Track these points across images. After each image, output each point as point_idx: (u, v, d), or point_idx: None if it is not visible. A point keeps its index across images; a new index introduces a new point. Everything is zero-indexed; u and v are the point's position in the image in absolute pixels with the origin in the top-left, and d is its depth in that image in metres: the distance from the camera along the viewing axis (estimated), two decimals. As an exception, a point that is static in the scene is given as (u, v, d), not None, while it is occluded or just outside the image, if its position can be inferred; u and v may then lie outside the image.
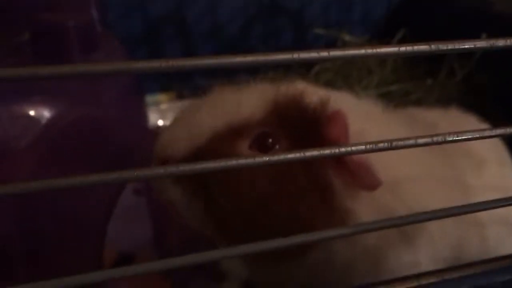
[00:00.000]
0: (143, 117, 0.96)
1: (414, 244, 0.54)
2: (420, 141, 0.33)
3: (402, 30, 1.43)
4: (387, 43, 1.41)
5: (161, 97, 1.40)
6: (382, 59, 1.37)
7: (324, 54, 0.29)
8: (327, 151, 0.31)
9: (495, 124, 1.07)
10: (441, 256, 0.57)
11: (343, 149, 0.32)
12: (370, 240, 0.52)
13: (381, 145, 0.32)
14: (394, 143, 0.33)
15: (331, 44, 1.51)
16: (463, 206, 0.36)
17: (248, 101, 0.52)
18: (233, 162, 0.30)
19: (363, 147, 0.33)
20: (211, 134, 0.50)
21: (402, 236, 0.53)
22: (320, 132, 0.50)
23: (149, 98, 1.36)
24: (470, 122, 0.78)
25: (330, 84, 1.30)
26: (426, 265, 0.54)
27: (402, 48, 0.30)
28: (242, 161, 0.29)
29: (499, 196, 0.67)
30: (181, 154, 0.50)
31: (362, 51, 0.30)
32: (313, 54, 0.29)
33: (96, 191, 0.68)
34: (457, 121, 0.77)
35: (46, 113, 0.72)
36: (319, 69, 1.36)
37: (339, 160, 0.50)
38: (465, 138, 0.35)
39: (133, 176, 0.29)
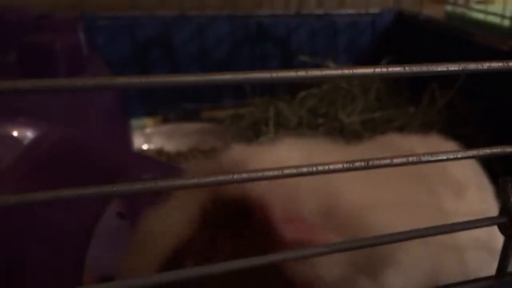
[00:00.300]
0: (128, 140, 0.96)
1: (380, 278, 0.54)
2: (396, 160, 0.34)
3: (386, 58, 1.46)
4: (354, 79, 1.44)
5: (147, 121, 1.41)
6: (366, 87, 1.40)
7: (302, 73, 0.30)
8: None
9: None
10: (415, 283, 0.56)
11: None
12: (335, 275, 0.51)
13: (357, 164, 0.33)
14: (370, 162, 0.33)
15: (317, 71, 1.53)
16: (428, 228, 0.37)
17: (173, 224, 0.50)
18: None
19: (340, 165, 0.33)
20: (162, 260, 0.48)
21: (366, 270, 0.53)
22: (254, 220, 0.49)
23: (135, 122, 1.37)
24: (449, 148, 0.79)
25: (315, 110, 1.32)
26: None
27: (377, 70, 0.31)
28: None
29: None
30: None
31: (339, 72, 0.31)
32: (291, 74, 0.30)
33: (76, 212, 0.68)
34: (436, 147, 0.78)
35: (29, 134, 0.72)
36: (304, 95, 1.38)
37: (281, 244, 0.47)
38: (440, 159, 0.36)
39: (112, 191, 0.29)
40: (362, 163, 0.34)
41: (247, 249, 0.48)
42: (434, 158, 0.36)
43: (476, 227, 0.40)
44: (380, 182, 0.57)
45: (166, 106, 1.47)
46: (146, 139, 1.26)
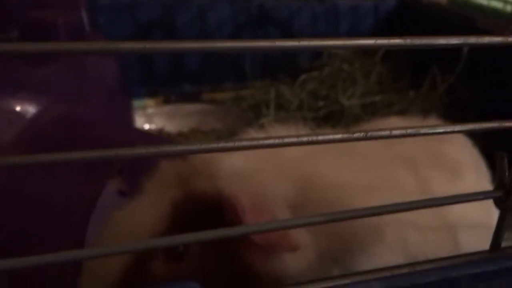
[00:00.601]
0: (130, 118, 0.97)
1: (371, 252, 0.54)
2: (395, 132, 0.35)
3: (387, 43, 1.46)
4: (372, 56, 1.44)
5: (148, 101, 1.41)
6: (367, 70, 1.40)
7: (304, 43, 0.30)
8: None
9: (475, 136, 1.10)
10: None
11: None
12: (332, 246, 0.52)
13: (356, 134, 0.34)
14: (369, 134, 0.34)
15: (318, 55, 1.53)
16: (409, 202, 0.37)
17: (144, 220, 0.50)
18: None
19: (340, 135, 0.34)
20: (121, 272, 0.48)
21: (359, 243, 0.54)
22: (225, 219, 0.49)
23: (136, 103, 1.37)
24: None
25: (315, 93, 1.32)
26: None
27: (379, 41, 0.31)
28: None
29: (474, 205, 0.68)
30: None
31: (341, 42, 0.31)
32: (293, 43, 0.30)
33: (76, 189, 0.68)
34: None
35: (31, 109, 0.72)
36: (305, 78, 1.38)
37: (250, 244, 0.47)
38: (438, 132, 0.36)
39: (114, 155, 0.30)
40: (361, 134, 0.34)
41: (217, 246, 0.49)
42: (432, 130, 0.36)
43: (471, 201, 0.41)
44: (364, 166, 0.58)
45: (167, 87, 1.47)
46: (148, 119, 1.27)
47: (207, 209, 0.49)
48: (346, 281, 0.40)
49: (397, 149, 0.64)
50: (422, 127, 0.35)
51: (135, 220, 0.51)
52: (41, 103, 0.73)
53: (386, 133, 0.35)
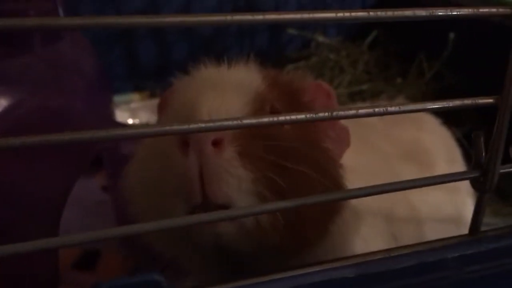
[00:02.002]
0: (109, 112, 0.95)
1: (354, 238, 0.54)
2: (362, 111, 0.33)
3: (374, 32, 1.44)
4: (360, 44, 1.42)
5: (133, 96, 1.39)
6: (354, 60, 1.39)
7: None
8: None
9: (462, 121, 1.08)
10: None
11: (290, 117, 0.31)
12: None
13: (321, 114, 0.32)
14: (334, 113, 0.32)
15: (305, 45, 1.51)
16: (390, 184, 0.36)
17: (251, 78, 0.50)
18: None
19: (303, 116, 0.32)
20: (247, 107, 0.45)
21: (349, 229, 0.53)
22: (305, 102, 0.52)
23: (122, 97, 1.35)
24: (423, 116, 0.79)
25: (302, 82, 1.30)
26: None
27: (340, 14, 0.30)
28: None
29: (446, 194, 0.67)
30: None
31: (298, 16, 0.29)
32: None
33: (49, 179, 0.66)
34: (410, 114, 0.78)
35: (5, 101, 0.70)
36: (292, 68, 1.36)
37: (323, 128, 0.51)
38: (407, 110, 0.35)
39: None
40: (326, 114, 0.33)
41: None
42: (402, 109, 0.35)
43: (448, 181, 0.40)
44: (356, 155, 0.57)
45: (153, 81, 1.45)
46: (132, 113, 1.25)
47: (296, 90, 0.52)
48: (320, 267, 0.38)
49: (373, 139, 0.64)
50: (390, 105, 0.34)
51: (245, 75, 0.51)
52: (15, 95, 0.71)
53: (353, 112, 0.33)
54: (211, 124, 0.30)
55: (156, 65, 1.47)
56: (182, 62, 1.49)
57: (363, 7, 1.60)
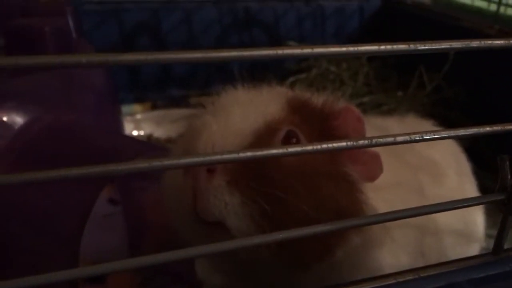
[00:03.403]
0: (119, 125, 0.95)
1: (379, 249, 0.55)
2: (399, 138, 0.34)
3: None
4: (360, 57, 1.44)
5: (136, 107, 1.40)
6: (354, 72, 1.40)
7: (307, 50, 0.30)
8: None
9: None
10: (403, 262, 0.58)
11: (324, 146, 0.32)
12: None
13: (361, 142, 0.33)
14: (374, 141, 0.34)
15: (305, 57, 1.53)
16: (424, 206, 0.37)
17: (271, 102, 0.53)
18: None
19: (344, 143, 0.33)
20: (252, 135, 0.49)
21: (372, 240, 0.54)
22: (334, 127, 0.53)
23: (124, 109, 1.35)
24: (425, 127, 0.80)
25: (304, 95, 1.32)
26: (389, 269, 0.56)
27: (382, 47, 0.31)
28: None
29: (457, 215, 0.69)
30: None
31: (343, 49, 0.31)
32: (296, 51, 0.30)
33: (70, 199, 0.67)
34: (412, 125, 0.80)
35: (19, 119, 0.71)
36: (293, 80, 1.38)
37: (352, 153, 0.52)
38: (442, 136, 0.36)
39: (118, 170, 0.29)
40: (365, 141, 0.34)
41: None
42: (436, 136, 0.36)
43: (475, 205, 0.41)
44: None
45: (155, 92, 1.46)
46: (136, 125, 1.25)
47: (320, 113, 0.54)
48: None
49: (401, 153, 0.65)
50: (426, 132, 0.35)
51: (263, 98, 0.53)
52: (29, 113, 0.71)
53: (390, 140, 0.34)
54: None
55: (157, 77, 1.48)
56: (183, 74, 1.50)
57: (361, 18, 1.62)
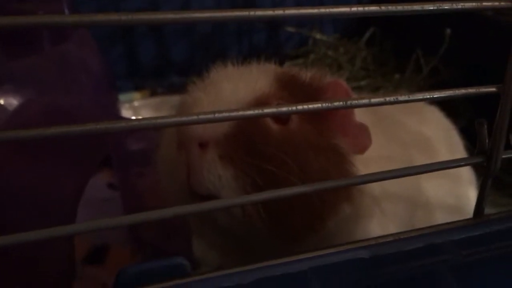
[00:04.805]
0: (115, 109, 0.96)
1: (369, 221, 0.56)
2: (374, 100, 0.35)
3: (371, 29, 1.46)
4: (357, 41, 1.45)
5: (135, 95, 1.41)
6: (351, 56, 1.41)
7: (279, 12, 0.31)
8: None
9: (460, 114, 1.10)
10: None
11: (300, 107, 0.33)
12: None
13: (336, 103, 0.34)
14: (349, 102, 0.34)
15: (303, 42, 1.53)
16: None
17: (260, 77, 0.54)
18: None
19: (319, 105, 0.34)
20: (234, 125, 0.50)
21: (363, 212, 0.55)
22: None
23: (123, 96, 1.37)
24: (421, 106, 0.81)
25: (301, 79, 1.32)
26: None
27: (353, 9, 0.32)
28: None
29: (450, 183, 0.70)
30: (223, 130, 0.49)
31: (315, 11, 0.31)
32: (268, 13, 0.31)
33: (61, 181, 0.68)
34: (410, 105, 0.81)
35: (15, 101, 0.72)
36: (290, 65, 1.38)
37: (341, 125, 0.53)
38: (416, 99, 0.37)
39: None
40: (341, 103, 0.35)
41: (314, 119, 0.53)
42: (411, 98, 0.37)
43: (454, 167, 0.42)
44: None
45: (154, 80, 1.47)
46: (134, 112, 1.26)
47: (309, 88, 0.54)
48: (336, 249, 0.40)
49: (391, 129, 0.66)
50: (400, 95, 0.36)
51: (253, 74, 0.54)
52: (25, 95, 0.73)
53: (365, 101, 0.35)
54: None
55: (156, 64, 1.49)
56: (181, 60, 1.51)
57: (360, 1, 1.62)
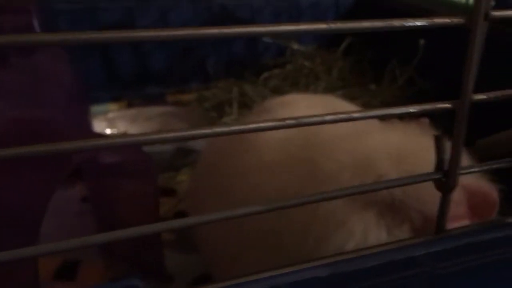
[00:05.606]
0: (86, 122, 0.95)
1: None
2: (328, 118, 0.35)
3: (348, 39, 1.47)
4: (334, 52, 1.45)
5: (111, 106, 1.40)
6: (328, 67, 1.41)
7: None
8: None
9: (436, 123, 1.11)
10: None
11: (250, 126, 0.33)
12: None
13: (288, 121, 0.34)
14: (300, 120, 0.34)
15: (281, 52, 1.54)
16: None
17: None
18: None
19: (272, 123, 0.34)
20: None
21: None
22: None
23: (99, 108, 1.36)
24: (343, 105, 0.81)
25: (278, 90, 1.33)
26: None
27: (301, 27, 0.32)
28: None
29: None
30: None
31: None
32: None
33: (27, 187, 0.67)
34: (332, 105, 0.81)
35: (-17, 115, 0.71)
36: (268, 75, 1.39)
37: None
38: (370, 116, 0.36)
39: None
40: (292, 121, 0.34)
41: None
42: (366, 114, 0.36)
43: (411, 183, 0.42)
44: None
45: (132, 91, 1.46)
46: (109, 123, 1.25)
47: None
48: (294, 268, 0.40)
49: None
50: (355, 112, 0.36)
51: None
52: (-8, 109, 0.72)
53: (319, 119, 0.35)
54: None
55: (134, 75, 1.48)
56: (159, 71, 1.51)
57: (337, 13, 1.63)
